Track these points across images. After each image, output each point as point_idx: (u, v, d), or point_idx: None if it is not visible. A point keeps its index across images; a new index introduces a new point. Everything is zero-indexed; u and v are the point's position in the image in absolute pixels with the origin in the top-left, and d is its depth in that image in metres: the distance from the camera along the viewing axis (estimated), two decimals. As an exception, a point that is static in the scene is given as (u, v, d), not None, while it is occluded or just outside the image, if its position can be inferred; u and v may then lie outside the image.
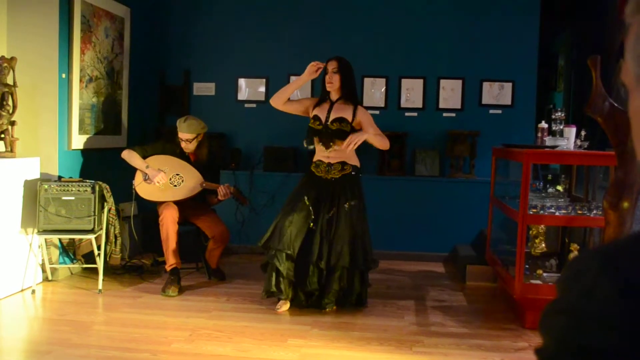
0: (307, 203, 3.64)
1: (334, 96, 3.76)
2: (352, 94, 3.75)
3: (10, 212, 3.87)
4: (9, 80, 3.98)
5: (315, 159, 3.79)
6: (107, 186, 4.16)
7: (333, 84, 3.70)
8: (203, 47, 5.65)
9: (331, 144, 3.67)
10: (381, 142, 3.67)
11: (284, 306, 3.68)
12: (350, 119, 3.66)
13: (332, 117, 3.69)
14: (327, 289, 3.62)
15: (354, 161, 3.76)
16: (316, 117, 3.73)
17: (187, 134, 4.18)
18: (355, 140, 3.52)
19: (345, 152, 3.63)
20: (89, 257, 4.38)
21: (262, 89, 5.62)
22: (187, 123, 4.17)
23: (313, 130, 3.74)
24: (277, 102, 3.75)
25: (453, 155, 5.30)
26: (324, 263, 3.57)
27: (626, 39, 0.58)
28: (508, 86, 5.40)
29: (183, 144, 4.23)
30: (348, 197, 3.64)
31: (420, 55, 5.43)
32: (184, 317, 3.51)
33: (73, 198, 3.99)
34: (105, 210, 4.12)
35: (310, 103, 3.85)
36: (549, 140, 3.84)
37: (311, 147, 3.83)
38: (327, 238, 3.60)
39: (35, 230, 3.97)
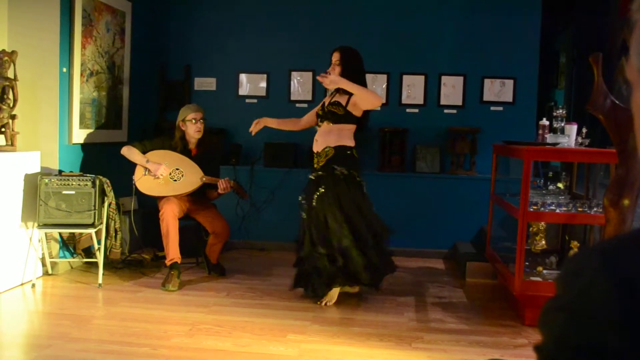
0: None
1: None
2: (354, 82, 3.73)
3: (10, 206, 3.87)
4: (10, 74, 3.98)
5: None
6: (108, 180, 4.16)
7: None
8: (204, 42, 5.64)
9: (324, 121, 3.78)
10: (363, 94, 3.64)
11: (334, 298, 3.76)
12: (344, 103, 3.73)
13: (332, 101, 3.81)
14: (347, 271, 3.67)
15: (339, 143, 3.72)
16: (323, 103, 3.91)
17: (198, 112, 4.30)
18: (329, 77, 3.62)
19: (329, 137, 3.71)
20: (89, 252, 4.39)
21: (263, 84, 5.61)
22: (192, 105, 4.42)
23: (317, 114, 3.91)
24: (292, 128, 4.16)
25: (454, 152, 5.29)
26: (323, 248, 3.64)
27: (631, 35, 0.57)
28: (509, 83, 5.38)
29: (194, 127, 4.28)
30: (328, 184, 3.67)
31: (422, 51, 5.42)
32: (184, 311, 3.52)
33: (73, 192, 3.99)
34: (106, 204, 4.12)
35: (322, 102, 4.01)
36: (549, 138, 3.83)
37: (318, 126, 3.93)
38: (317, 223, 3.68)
39: (36, 224, 3.97)
